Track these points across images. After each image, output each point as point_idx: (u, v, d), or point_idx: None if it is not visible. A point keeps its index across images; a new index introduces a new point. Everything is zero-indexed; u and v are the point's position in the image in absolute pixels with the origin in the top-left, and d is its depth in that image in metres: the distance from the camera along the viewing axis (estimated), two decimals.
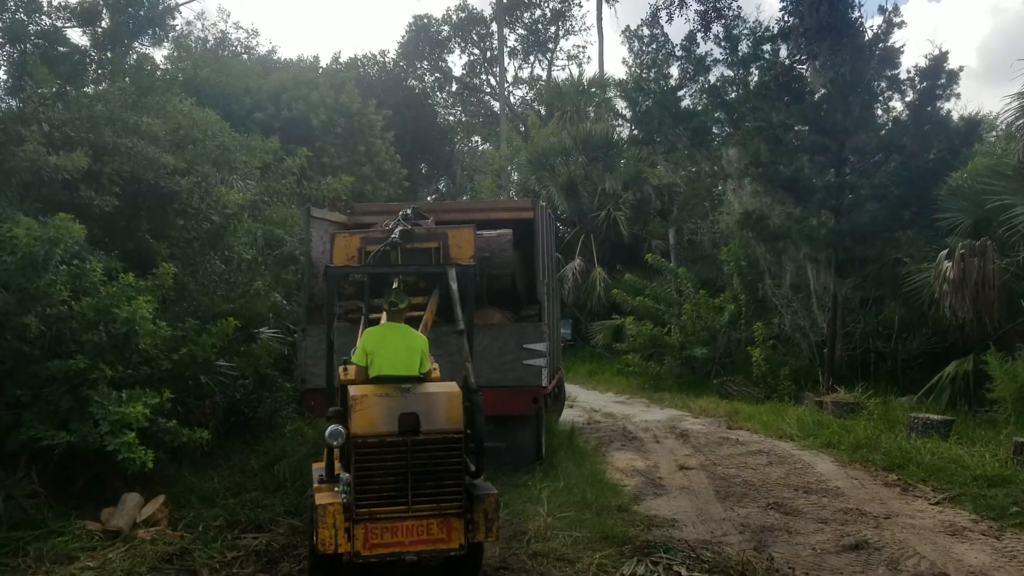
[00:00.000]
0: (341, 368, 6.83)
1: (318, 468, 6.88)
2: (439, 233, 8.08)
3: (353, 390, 6.09)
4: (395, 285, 7.34)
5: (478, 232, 9.20)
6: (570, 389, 17.60)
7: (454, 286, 6.75)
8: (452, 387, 6.23)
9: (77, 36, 10.44)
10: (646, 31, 22.57)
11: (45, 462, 7.95)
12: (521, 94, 48.54)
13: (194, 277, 10.90)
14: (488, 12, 46.12)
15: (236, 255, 11.79)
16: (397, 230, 7.68)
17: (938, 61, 15.37)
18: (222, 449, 10.37)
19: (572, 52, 63.20)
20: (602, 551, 7.10)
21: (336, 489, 6.04)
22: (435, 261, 7.75)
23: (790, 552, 7.23)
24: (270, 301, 11.93)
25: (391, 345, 6.52)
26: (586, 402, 17.98)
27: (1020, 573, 6.58)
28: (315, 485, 6.45)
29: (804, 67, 17.29)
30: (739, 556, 6.94)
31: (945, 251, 13.46)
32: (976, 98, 72.46)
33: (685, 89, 21.04)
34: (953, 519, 8.18)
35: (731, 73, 19.37)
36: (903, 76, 16.11)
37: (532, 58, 47.78)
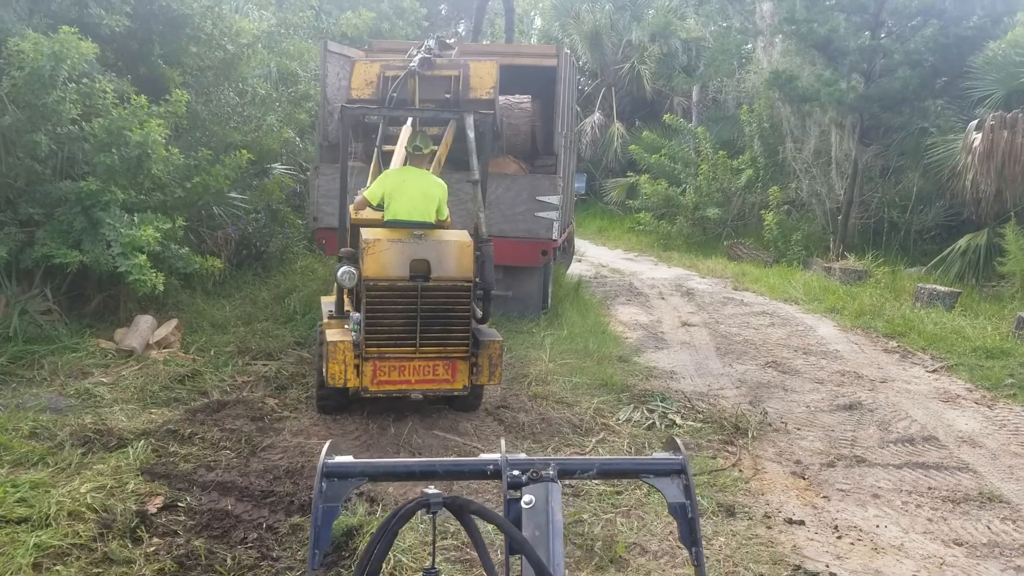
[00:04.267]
0: (352, 208, 6.81)
1: (327, 302, 7.01)
2: (460, 63, 7.84)
3: (366, 233, 6.10)
4: (410, 121, 7.20)
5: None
6: (579, 244, 17.66)
7: (471, 134, 6.61)
8: (463, 236, 6.25)
9: None
10: None
11: (59, 280, 8.10)
12: None
13: (207, 107, 10.73)
14: None
15: (250, 87, 11.55)
16: (417, 58, 7.43)
17: None
18: (234, 280, 10.56)
19: None
20: (600, 397, 7.30)
21: (347, 326, 6.18)
22: (454, 90, 7.55)
23: (784, 408, 7.42)
24: (283, 137, 11.80)
25: (409, 190, 6.46)
26: (595, 257, 18.04)
27: (1008, 440, 6.74)
28: (324, 320, 6.58)
29: None
30: (733, 409, 7.13)
31: (975, 122, 13.12)
32: None
33: None
34: (948, 387, 8.34)
35: None
36: None
37: None
